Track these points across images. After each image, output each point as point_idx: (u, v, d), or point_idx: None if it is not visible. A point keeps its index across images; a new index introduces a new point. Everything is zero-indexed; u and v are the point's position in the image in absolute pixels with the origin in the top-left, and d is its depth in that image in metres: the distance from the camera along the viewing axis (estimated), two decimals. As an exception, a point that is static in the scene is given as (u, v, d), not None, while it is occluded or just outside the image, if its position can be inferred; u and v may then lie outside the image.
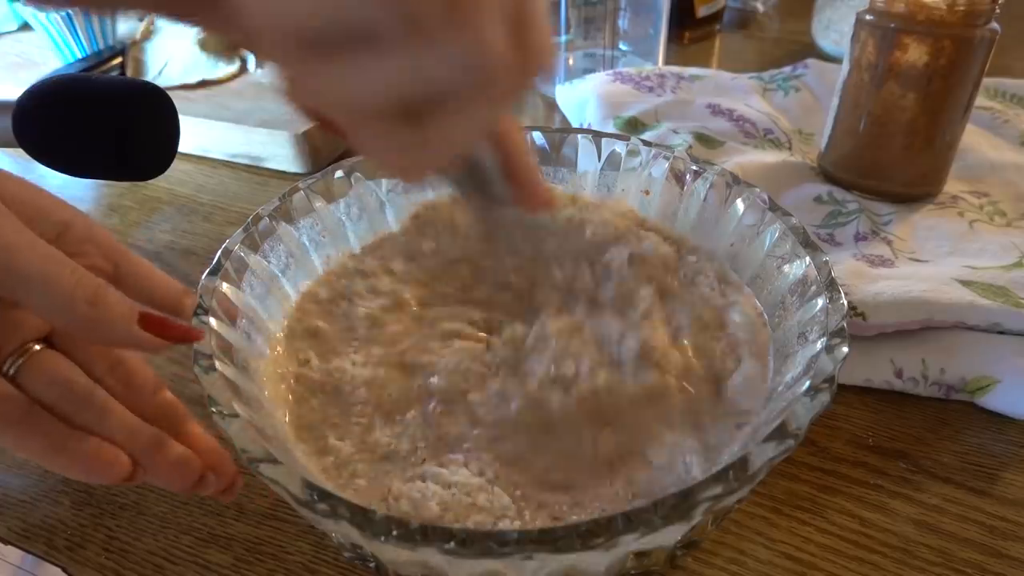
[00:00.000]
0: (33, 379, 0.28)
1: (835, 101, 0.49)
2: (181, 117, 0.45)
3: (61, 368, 0.28)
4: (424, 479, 0.29)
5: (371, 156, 0.21)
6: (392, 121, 0.19)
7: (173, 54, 0.67)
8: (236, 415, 0.26)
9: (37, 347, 0.28)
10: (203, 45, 0.68)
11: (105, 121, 0.41)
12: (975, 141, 0.53)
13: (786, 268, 0.32)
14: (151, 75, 0.67)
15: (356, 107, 0.19)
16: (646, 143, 0.39)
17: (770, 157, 0.51)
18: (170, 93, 0.44)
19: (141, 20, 0.72)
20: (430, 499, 0.28)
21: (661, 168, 0.39)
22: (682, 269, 0.37)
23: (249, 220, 0.35)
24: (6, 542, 0.33)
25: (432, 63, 0.17)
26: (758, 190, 0.35)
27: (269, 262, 0.35)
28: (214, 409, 0.26)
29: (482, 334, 0.35)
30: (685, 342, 0.33)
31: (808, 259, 0.31)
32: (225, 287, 0.31)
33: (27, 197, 0.29)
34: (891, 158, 0.47)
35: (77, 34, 0.68)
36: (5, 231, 0.25)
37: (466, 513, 0.27)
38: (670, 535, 0.25)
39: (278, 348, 0.34)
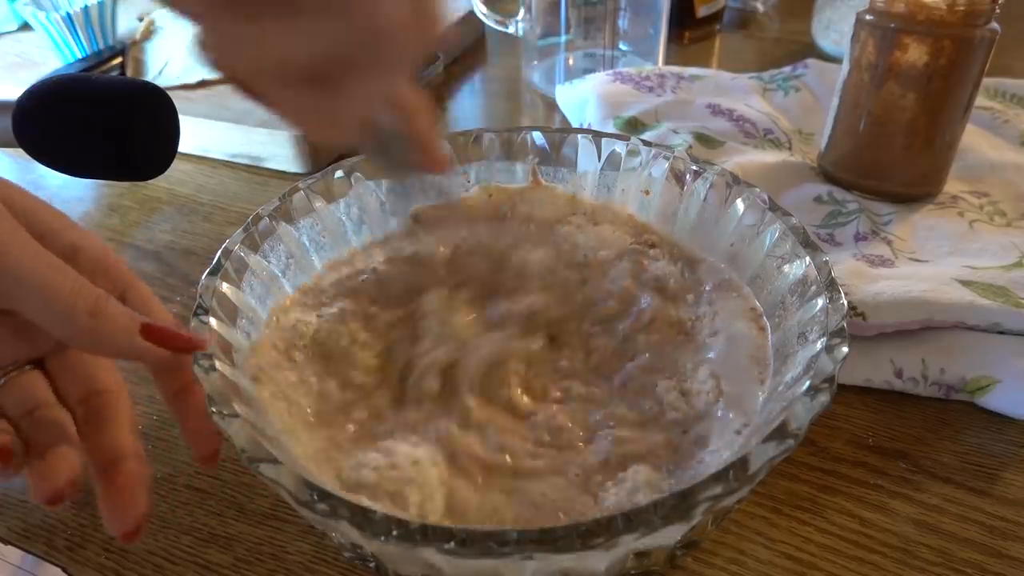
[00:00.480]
0: (8, 396, 0.29)
1: (835, 101, 0.49)
2: (181, 117, 0.45)
3: (39, 390, 0.29)
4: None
5: (285, 119, 0.23)
6: (303, 85, 0.21)
7: (173, 54, 0.67)
8: (236, 415, 0.26)
9: (28, 367, 0.29)
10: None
11: (105, 121, 0.41)
12: (975, 141, 0.53)
13: (786, 268, 0.32)
14: (151, 75, 0.67)
15: (270, 69, 0.21)
16: (646, 143, 0.39)
17: (770, 157, 0.51)
18: (170, 93, 0.44)
19: (141, 20, 0.72)
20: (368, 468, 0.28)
21: (661, 168, 0.39)
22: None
23: (249, 220, 0.35)
24: (6, 542, 0.33)
25: (340, 28, 0.20)
26: (758, 190, 0.35)
27: (269, 262, 0.35)
28: (214, 409, 0.26)
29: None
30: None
31: (808, 259, 0.31)
32: (225, 287, 0.31)
33: (41, 214, 0.29)
34: (891, 158, 0.47)
35: (77, 34, 0.68)
36: (9, 240, 0.25)
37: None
38: (670, 535, 0.25)
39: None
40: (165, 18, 0.71)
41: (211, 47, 0.20)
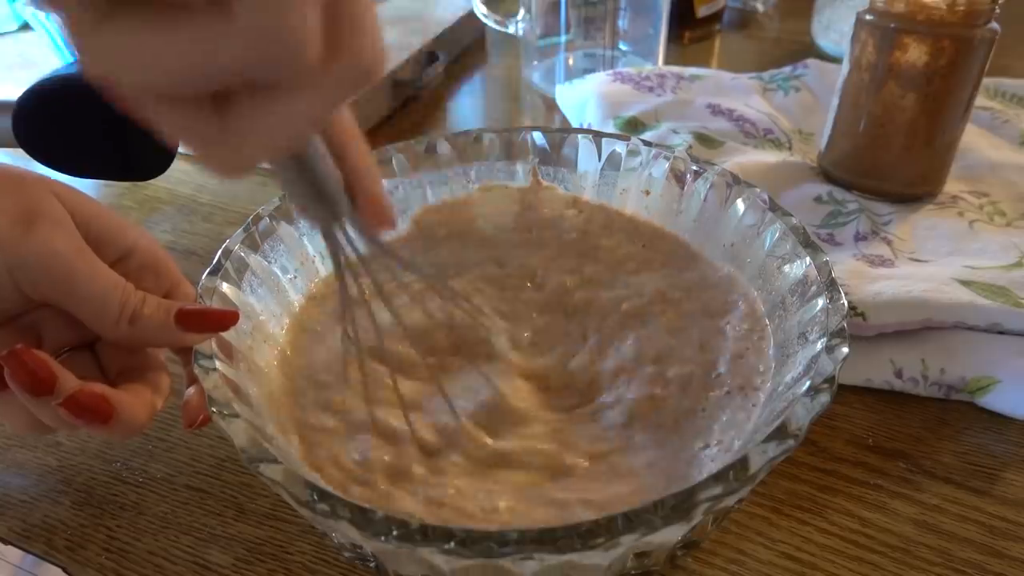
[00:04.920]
0: None
1: (835, 101, 0.49)
2: (181, 117, 0.45)
3: (87, 370, 0.31)
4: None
5: (175, 143, 0.19)
6: (195, 106, 0.17)
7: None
8: (236, 415, 0.26)
9: (79, 350, 0.31)
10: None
11: (105, 121, 0.41)
12: (975, 141, 0.53)
13: (786, 268, 0.32)
14: (151, 75, 0.67)
15: (153, 84, 0.17)
16: (646, 143, 0.39)
17: (770, 157, 0.51)
18: (170, 93, 0.44)
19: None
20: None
21: (661, 168, 0.39)
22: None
23: (249, 220, 0.35)
24: (6, 542, 0.33)
25: (230, 41, 0.16)
26: (758, 190, 0.35)
27: (269, 262, 0.35)
28: (214, 409, 0.26)
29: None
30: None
31: (808, 259, 0.31)
32: (225, 287, 0.31)
33: (100, 220, 0.31)
34: (891, 158, 0.47)
35: (77, 34, 0.68)
36: (75, 261, 0.28)
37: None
38: (670, 535, 0.25)
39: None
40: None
41: (81, 55, 0.16)
